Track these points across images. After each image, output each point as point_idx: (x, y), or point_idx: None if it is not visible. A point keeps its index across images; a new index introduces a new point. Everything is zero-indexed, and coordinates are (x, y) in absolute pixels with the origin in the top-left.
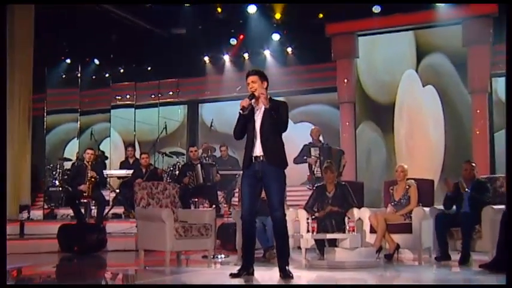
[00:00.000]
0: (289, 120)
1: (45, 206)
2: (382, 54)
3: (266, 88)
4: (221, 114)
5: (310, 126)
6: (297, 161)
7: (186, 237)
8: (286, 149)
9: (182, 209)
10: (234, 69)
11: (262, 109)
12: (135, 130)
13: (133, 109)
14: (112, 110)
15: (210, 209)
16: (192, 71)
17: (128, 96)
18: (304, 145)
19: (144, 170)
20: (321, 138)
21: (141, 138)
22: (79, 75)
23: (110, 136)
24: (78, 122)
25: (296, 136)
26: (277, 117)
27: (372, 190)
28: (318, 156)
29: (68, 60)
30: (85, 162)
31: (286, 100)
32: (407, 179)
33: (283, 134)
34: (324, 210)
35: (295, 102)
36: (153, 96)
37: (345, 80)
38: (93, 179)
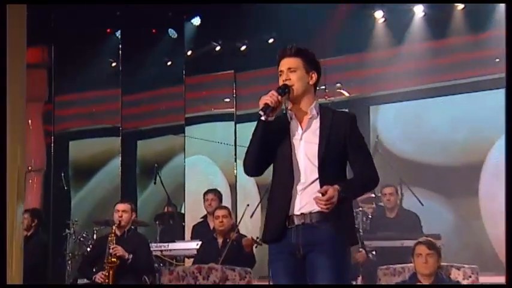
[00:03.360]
0: None
1: None
2: None
3: (314, 86)
4: (404, 123)
5: None
6: None
7: None
8: None
9: None
10: (433, 32)
11: (312, 126)
12: (236, 162)
13: (232, 123)
14: (187, 128)
15: None
16: (353, 43)
17: (226, 100)
18: None
19: (220, 241)
20: None
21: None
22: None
23: (184, 176)
24: (120, 157)
25: None
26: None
27: None
28: None
29: (118, 34)
30: (115, 229)
31: None
32: None
33: None
34: None
35: None
36: None
37: None
38: (113, 261)
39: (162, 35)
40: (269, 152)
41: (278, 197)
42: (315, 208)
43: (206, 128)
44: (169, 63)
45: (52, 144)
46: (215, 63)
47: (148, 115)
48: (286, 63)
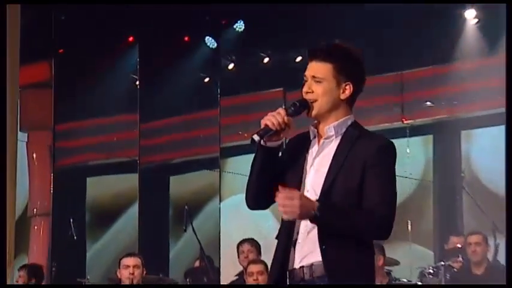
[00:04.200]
0: None
1: None
2: None
3: (348, 100)
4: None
5: None
6: None
7: None
8: None
9: None
10: None
11: (327, 150)
12: None
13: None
14: (227, 160)
15: None
16: (438, 51)
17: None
18: None
19: None
20: None
21: None
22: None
23: (219, 221)
24: (138, 202)
25: None
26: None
27: None
28: None
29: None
30: None
31: None
32: None
33: None
34: None
35: None
36: None
37: None
38: None
39: (197, 44)
40: (274, 181)
41: (280, 241)
42: (318, 259)
43: (250, 161)
44: (206, 79)
45: (51, 183)
46: (261, 80)
47: (175, 145)
48: (312, 68)
